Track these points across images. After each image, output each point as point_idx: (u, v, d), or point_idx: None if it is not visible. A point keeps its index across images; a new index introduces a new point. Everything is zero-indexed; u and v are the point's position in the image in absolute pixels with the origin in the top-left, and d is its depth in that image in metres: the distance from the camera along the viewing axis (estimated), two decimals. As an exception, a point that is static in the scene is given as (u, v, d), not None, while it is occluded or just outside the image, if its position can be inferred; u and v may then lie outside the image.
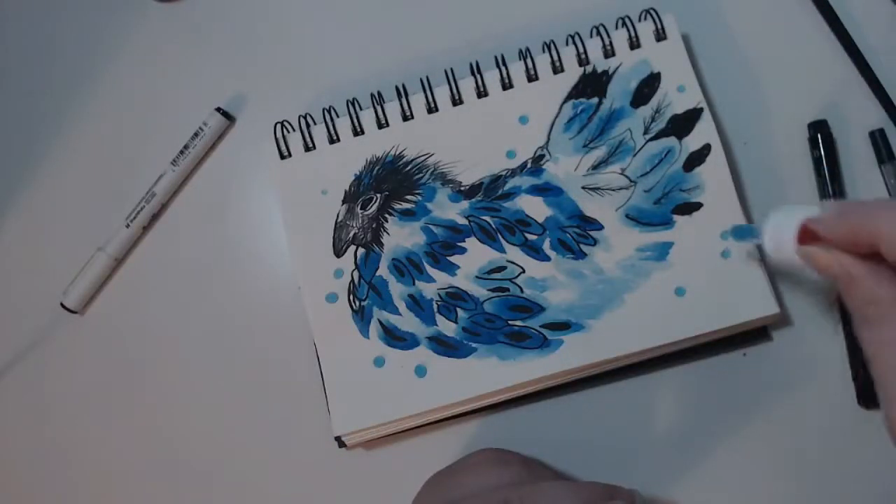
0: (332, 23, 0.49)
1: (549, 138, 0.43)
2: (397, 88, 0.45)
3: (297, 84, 0.48)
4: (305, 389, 0.44)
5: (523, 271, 0.42)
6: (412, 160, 0.44)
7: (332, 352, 0.42)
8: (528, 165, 0.43)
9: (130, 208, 0.47)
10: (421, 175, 0.44)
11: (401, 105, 0.44)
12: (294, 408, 0.44)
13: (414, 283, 0.42)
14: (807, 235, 0.29)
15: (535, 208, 0.42)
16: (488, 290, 0.42)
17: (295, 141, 0.45)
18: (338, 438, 0.41)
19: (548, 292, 0.41)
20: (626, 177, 0.42)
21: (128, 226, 0.46)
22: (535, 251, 0.42)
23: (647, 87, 0.43)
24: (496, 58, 0.44)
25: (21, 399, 0.46)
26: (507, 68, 0.44)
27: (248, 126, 0.48)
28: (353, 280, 0.42)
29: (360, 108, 0.45)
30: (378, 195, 0.43)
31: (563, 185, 0.43)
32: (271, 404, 0.44)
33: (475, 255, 0.42)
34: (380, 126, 0.44)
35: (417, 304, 0.42)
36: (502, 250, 0.42)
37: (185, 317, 0.46)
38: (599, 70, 0.44)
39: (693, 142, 0.42)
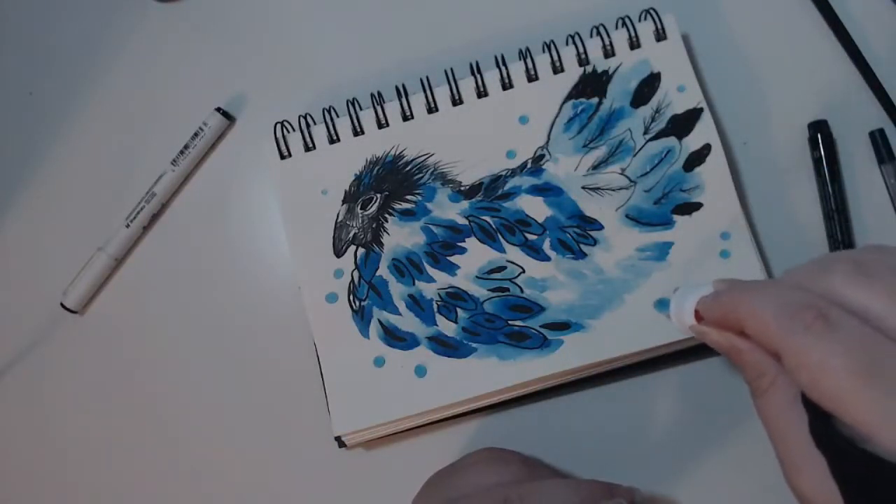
0: (332, 23, 0.49)
1: (549, 138, 0.43)
2: (397, 88, 0.45)
3: (297, 84, 0.48)
4: (305, 389, 0.44)
5: (523, 271, 0.42)
6: (412, 160, 0.44)
7: (332, 352, 0.42)
8: (528, 165, 0.43)
9: (130, 208, 0.47)
10: (421, 175, 0.44)
11: (401, 105, 0.44)
12: (294, 408, 0.44)
13: (414, 283, 0.42)
14: (699, 315, 0.31)
15: (535, 208, 0.42)
16: (488, 290, 0.42)
17: (295, 141, 0.45)
18: (338, 438, 0.41)
19: (548, 292, 0.41)
20: (626, 177, 0.42)
21: (128, 226, 0.46)
22: (535, 251, 0.42)
23: (647, 87, 0.43)
24: (496, 58, 0.44)
25: (21, 399, 0.46)
26: (507, 68, 0.44)
27: (248, 126, 0.48)
28: (353, 280, 0.42)
29: (360, 108, 0.45)
30: (378, 195, 0.43)
31: (563, 185, 0.43)
32: (271, 404, 0.44)
33: (475, 255, 0.42)
34: (380, 126, 0.44)
35: (417, 304, 0.42)
36: (502, 250, 0.42)
37: (185, 317, 0.46)
38: (599, 70, 0.44)
39: (693, 142, 0.42)
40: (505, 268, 0.42)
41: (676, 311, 0.33)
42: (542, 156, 0.43)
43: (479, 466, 0.37)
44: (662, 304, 0.40)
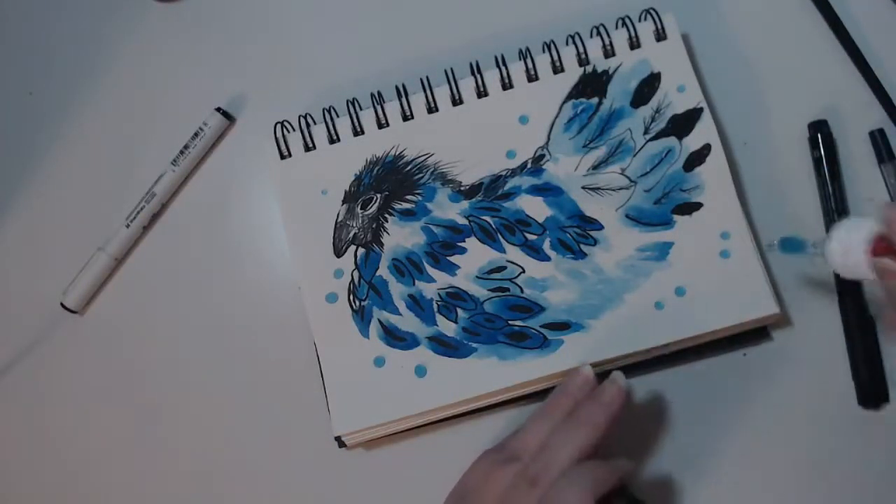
0: (332, 23, 0.49)
1: (549, 138, 0.43)
2: (397, 88, 0.45)
3: (297, 84, 0.48)
4: (305, 389, 0.43)
5: (523, 271, 0.42)
6: (412, 160, 0.44)
7: (332, 352, 0.42)
8: (529, 165, 0.43)
9: (130, 208, 0.47)
10: (421, 175, 0.44)
11: (401, 105, 0.44)
12: (294, 408, 0.44)
13: (414, 283, 0.42)
14: (881, 247, 0.28)
15: (535, 208, 0.42)
16: (488, 290, 0.42)
17: (295, 141, 0.45)
18: (338, 438, 0.41)
19: (548, 292, 0.41)
20: (627, 177, 0.42)
21: (128, 226, 0.46)
22: (535, 251, 0.42)
23: (648, 87, 0.43)
24: (496, 58, 0.44)
25: (21, 399, 0.46)
26: (507, 68, 0.44)
27: (248, 126, 0.48)
28: (353, 280, 0.42)
29: (360, 108, 0.45)
30: (378, 195, 0.43)
31: (564, 185, 0.43)
32: (271, 404, 0.44)
33: (475, 255, 0.42)
34: (380, 126, 0.44)
35: (417, 304, 0.42)
36: (502, 250, 0.42)
37: (185, 317, 0.46)
38: (599, 70, 0.44)
39: (693, 142, 0.42)
40: (505, 268, 0.42)
41: (843, 246, 0.29)
42: (543, 156, 0.43)
43: (490, 474, 0.36)
44: (785, 245, 0.38)
